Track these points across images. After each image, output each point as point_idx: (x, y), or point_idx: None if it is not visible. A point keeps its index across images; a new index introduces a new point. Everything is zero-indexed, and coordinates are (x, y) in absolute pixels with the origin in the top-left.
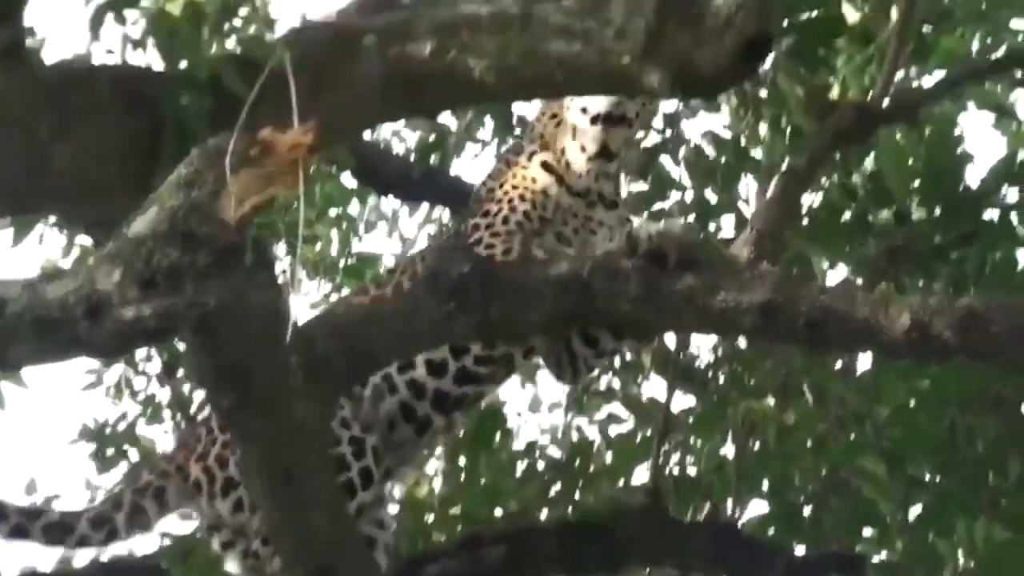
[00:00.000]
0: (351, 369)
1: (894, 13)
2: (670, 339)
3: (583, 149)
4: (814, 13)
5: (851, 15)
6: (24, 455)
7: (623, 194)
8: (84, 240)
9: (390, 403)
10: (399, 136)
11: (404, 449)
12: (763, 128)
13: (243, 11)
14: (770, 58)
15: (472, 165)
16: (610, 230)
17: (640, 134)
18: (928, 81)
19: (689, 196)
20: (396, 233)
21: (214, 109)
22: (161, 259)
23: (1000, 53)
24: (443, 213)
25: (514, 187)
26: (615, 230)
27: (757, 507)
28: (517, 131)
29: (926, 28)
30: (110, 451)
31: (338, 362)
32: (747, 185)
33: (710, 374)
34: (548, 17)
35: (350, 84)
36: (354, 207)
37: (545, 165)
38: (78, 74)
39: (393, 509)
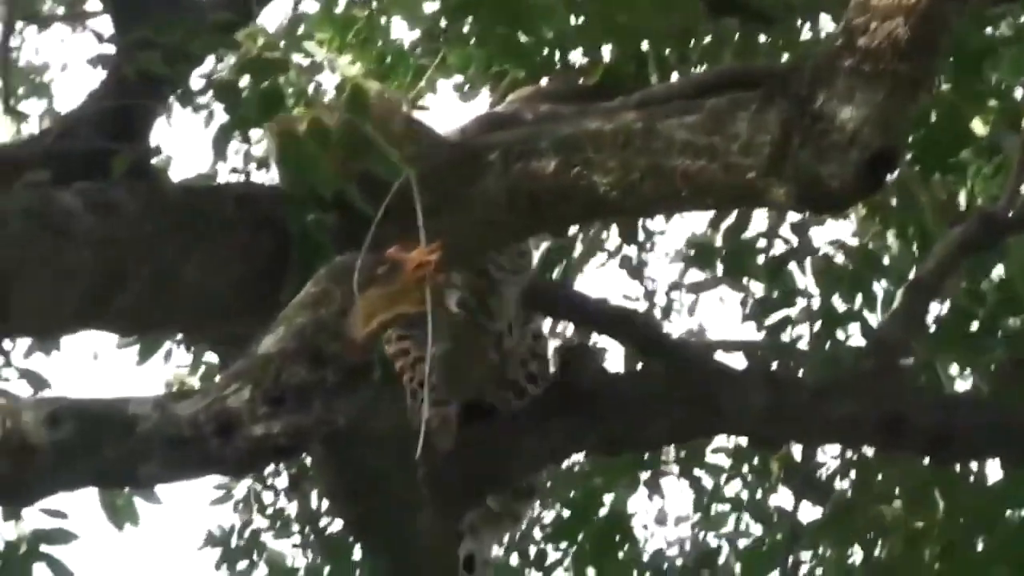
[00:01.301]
0: (475, 484)
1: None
2: (796, 448)
3: None
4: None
5: (978, 128)
6: (158, 571)
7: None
8: (211, 356)
9: None
10: None
11: None
12: (891, 235)
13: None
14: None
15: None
16: None
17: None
18: None
19: (816, 304)
20: None
21: (339, 226)
22: (290, 377)
23: None
24: (567, 327)
25: None
26: None
27: None
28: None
29: None
30: (241, 564)
31: (464, 477)
32: (875, 293)
33: (836, 482)
34: (672, 132)
35: (474, 201)
36: None
37: None
38: (204, 193)
39: None
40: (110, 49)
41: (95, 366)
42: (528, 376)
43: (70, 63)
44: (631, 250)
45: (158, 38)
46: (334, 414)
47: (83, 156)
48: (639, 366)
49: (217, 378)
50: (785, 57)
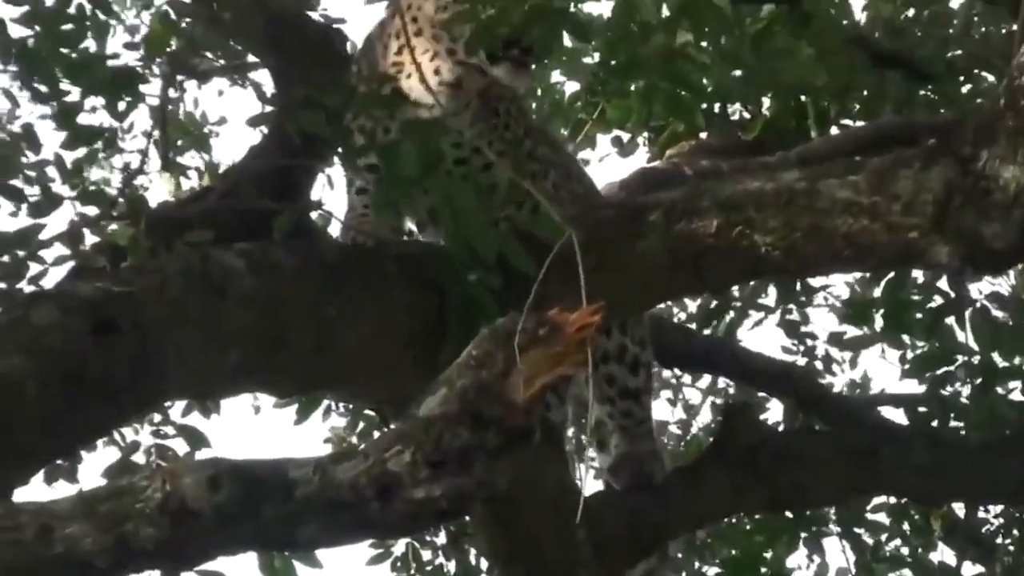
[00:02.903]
0: (638, 543)
1: None
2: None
3: None
4: None
5: None
6: None
7: None
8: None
9: None
10: (681, 304)
11: None
12: None
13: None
14: None
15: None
16: None
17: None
18: None
19: (976, 360)
20: (680, 402)
21: (500, 286)
22: (451, 440)
23: None
24: (727, 383)
25: None
26: None
27: None
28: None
29: None
30: None
31: (625, 536)
32: None
33: (1000, 539)
34: (834, 192)
35: (635, 261)
36: None
37: None
38: (365, 252)
39: None
40: (270, 108)
41: (253, 422)
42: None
43: (229, 116)
44: (790, 306)
45: (319, 98)
46: (495, 476)
47: (244, 214)
48: (799, 421)
49: (375, 437)
50: (945, 112)
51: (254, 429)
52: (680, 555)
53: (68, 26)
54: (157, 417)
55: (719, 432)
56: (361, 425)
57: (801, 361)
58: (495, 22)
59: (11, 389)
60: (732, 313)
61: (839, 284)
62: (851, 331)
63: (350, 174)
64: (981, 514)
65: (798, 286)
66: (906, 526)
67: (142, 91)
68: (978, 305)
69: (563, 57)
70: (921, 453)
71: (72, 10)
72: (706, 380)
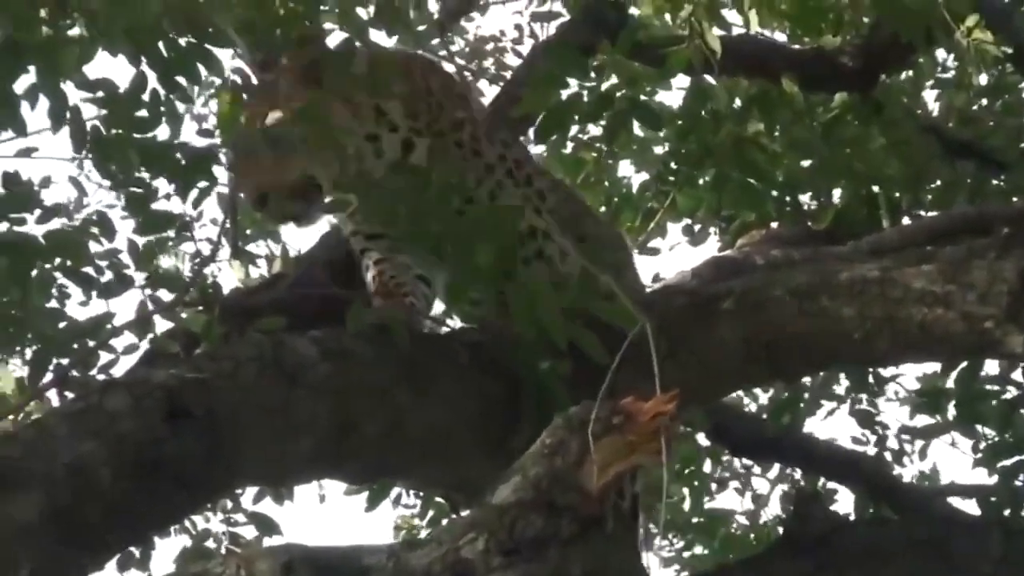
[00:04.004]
0: None
1: None
2: None
3: None
4: None
5: None
6: None
7: None
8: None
9: None
10: (751, 394)
11: None
12: None
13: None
14: None
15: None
16: None
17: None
18: None
19: None
20: (748, 492)
21: (572, 373)
22: (525, 528)
23: None
24: (796, 472)
25: None
26: None
27: None
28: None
29: None
30: None
31: None
32: None
33: None
34: (909, 282)
35: (708, 349)
36: (706, 465)
37: None
38: (437, 340)
39: None
40: None
41: (321, 509)
42: None
43: None
44: (861, 395)
45: None
46: (569, 565)
47: (315, 301)
48: (870, 511)
49: (446, 524)
50: (1019, 201)
51: (322, 516)
52: None
53: (142, 112)
54: (228, 504)
55: (789, 521)
56: (431, 513)
57: (871, 451)
58: (565, 110)
59: (85, 476)
60: (803, 404)
61: (909, 375)
62: (922, 420)
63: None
64: None
65: (870, 377)
66: None
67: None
68: None
69: (633, 146)
70: (995, 544)
71: (147, 96)
72: (775, 470)
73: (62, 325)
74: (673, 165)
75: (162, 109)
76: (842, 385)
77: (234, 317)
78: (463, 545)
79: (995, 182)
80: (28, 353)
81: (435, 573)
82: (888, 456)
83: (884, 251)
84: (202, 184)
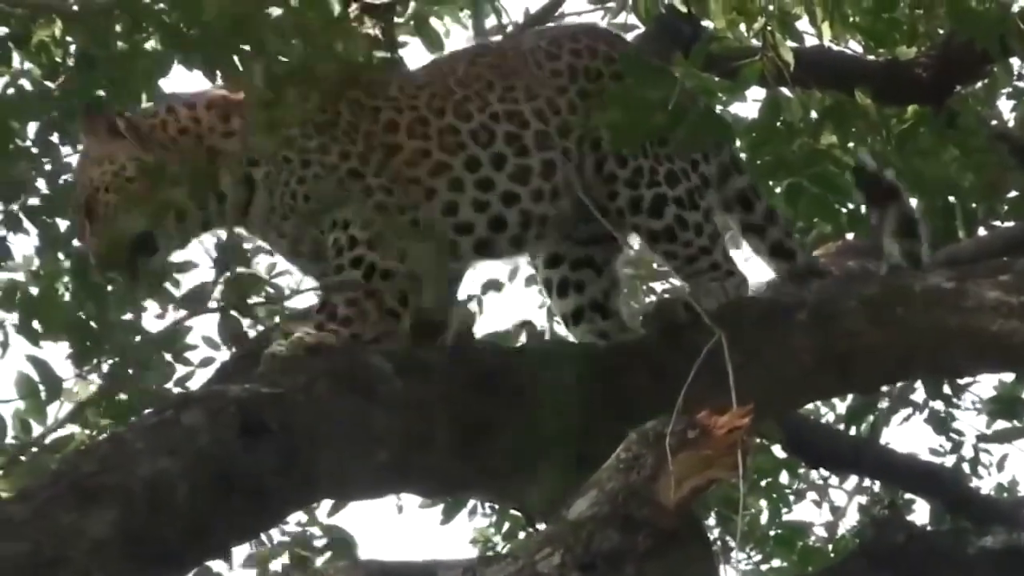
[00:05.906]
0: None
1: None
2: None
3: None
4: None
5: None
6: None
7: None
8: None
9: None
10: (829, 404)
11: None
12: None
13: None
14: None
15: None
16: None
17: None
18: None
19: None
20: (826, 503)
21: (647, 386)
22: (601, 542)
23: None
24: (873, 483)
25: None
26: None
27: None
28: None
29: None
30: None
31: None
32: None
33: None
34: (983, 292)
35: (782, 360)
36: (783, 477)
37: None
38: (508, 353)
39: None
40: None
41: (398, 522)
42: None
43: None
44: (937, 403)
45: None
46: None
47: None
48: (947, 522)
49: (522, 538)
50: None
51: (398, 529)
52: None
53: None
54: (303, 517)
55: (867, 531)
56: (506, 526)
57: (948, 462)
58: (640, 124)
59: (162, 491)
60: (878, 411)
61: (986, 384)
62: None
63: None
64: None
65: (946, 386)
66: None
67: None
68: None
69: None
70: None
71: None
72: (852, 481)
73: (138, 338)
74: None
75: None
76: (919, 393)
77: None
78: (539, 560)
79: None
80: (105, 367)
81: None
82: (965, 467)
83: (959, 262)
84: None
